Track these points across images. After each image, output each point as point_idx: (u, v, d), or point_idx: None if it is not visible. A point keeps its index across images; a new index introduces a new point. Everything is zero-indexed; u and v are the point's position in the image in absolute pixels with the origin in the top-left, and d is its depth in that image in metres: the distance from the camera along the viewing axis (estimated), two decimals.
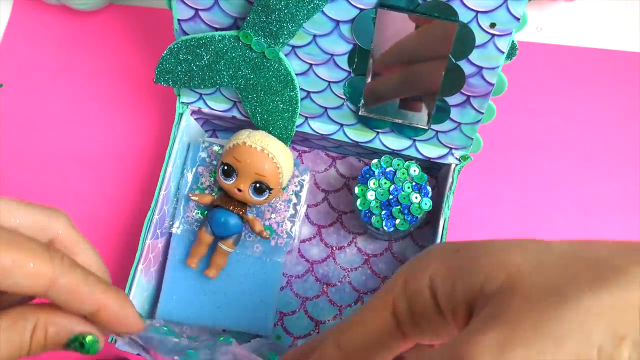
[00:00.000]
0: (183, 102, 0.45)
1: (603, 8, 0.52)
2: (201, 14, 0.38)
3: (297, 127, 0.43)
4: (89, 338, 0.23)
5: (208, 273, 0.44)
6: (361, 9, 0.35)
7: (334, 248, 0.48)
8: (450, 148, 0.42)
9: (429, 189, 0.43)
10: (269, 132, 0.43)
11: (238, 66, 0.39)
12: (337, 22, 0.37)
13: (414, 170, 0.43)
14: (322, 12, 0.36)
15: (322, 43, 0.38)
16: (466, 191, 0.47)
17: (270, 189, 0.41)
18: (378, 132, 0.43)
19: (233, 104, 0.44)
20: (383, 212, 0.43)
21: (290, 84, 0.40)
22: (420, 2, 0.34)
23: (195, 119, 0.47)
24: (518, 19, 0.34)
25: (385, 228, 0.43)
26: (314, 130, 0.43)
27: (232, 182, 0.41)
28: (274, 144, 0.41)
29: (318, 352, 0.23)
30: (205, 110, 0.44)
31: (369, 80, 0.39)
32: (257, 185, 0.40)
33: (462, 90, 0.38)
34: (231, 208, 0.42)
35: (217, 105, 0.44)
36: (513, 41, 0.36)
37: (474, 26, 0.35)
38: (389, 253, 0.48)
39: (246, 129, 0.42)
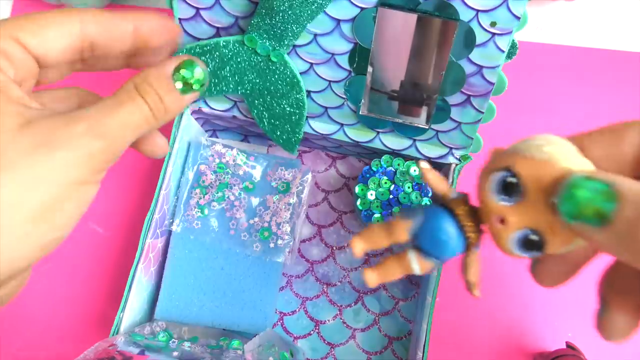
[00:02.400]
0: None
1: (603, 8, 0.52)
2: (202, 13, 0.38)
3: None
4: (187, 66, 0.26)
5: (368, 274, 0.31)
6: (362, 8, 0.36)
7: (334, 248, 0.48)
8: (451, 148, 0.42)
9: (429, 188, 0.43)
10: (277, 137, 0.42)
11: (244, 71, 0.38)
12: (338, 21, 0.37)
13: (414, 170, 0.43)
14: (323, 11, 0.36)
15: (322, 42, 0.38)
16: (466, 191, 0.46)
17: (542, 250, 0.24)
18: (378, 132, 0.43)
19: (233, 103, 0.44)
20: (383, 211, 0.43)
21: (296, 86, 0.39)
22: (420, 1, 0.34)
23: (195, 119, 0.47)
24: (518, 18, 0.34)
25: None
26: (314, 130, 0.43)
27: (505, 204, 0.24)
28: None
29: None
30: (206, 110, 0.44)
31: (370, 79, 0.39)
32: (533, 237, 0.24)
33: (462, 90, 0.38)
34: (466, 224, 0.28)
35: (218, 105, 0.44)
36: (513, 40, 0.36)
37: (474, 25, 0.35)
38: (388, 253, 0.47)
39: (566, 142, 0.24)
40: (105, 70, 0.30)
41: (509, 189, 0.23)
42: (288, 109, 0.40)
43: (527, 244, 0.23)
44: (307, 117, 0.43)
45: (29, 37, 0.23)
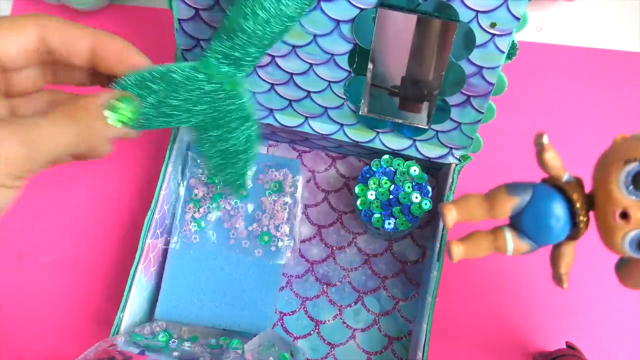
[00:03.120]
0: None
1: (603, 8, 0.52)
2: (201, 13, 0.38)
3: (297, 127, 0.43)
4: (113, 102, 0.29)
5: (455, 246, 0.29)
6: (361, 9, 0.35)
7: (334, 248, 0.48)
8: (451, 148, 0.42)
9: (429, 188, 0.43)
10: (220, 180, 0.40)
11: (195, 101, 0.35)
12: (338, 22, 0.37)
13: (414, 170, 0.43)
14: (323, 11, 0.36)
15: (322, 43, 0.38)
16: (466, 191, 0.46)
17: None
18: (378, 132, 0.43)
19: None
20: (383, 211, 0.43)
21: (247, 120, 0.36)
22: (420, 2, 0.34)
23: None
24: (518, 19, 0.34)
25: (386, 228, 0.43)
26: (314, 130, 0.43)
27: (634, 198, 0.22)
28: None
29: None
30: None
31: (369, 80, 0.39)
32: None
33: (462, 90, 0.38)
34: (580, 212, 0.25)
35: None
36: (513, 41, 0.36)
37: (474, 26, 0.35)
38: (389, 253, 0.48)
39: None
40: (75, 85, 0.31)
41: None
42: (239, 147, 0.37)
43: None
44: (307, 117, 0.43)
45: None
